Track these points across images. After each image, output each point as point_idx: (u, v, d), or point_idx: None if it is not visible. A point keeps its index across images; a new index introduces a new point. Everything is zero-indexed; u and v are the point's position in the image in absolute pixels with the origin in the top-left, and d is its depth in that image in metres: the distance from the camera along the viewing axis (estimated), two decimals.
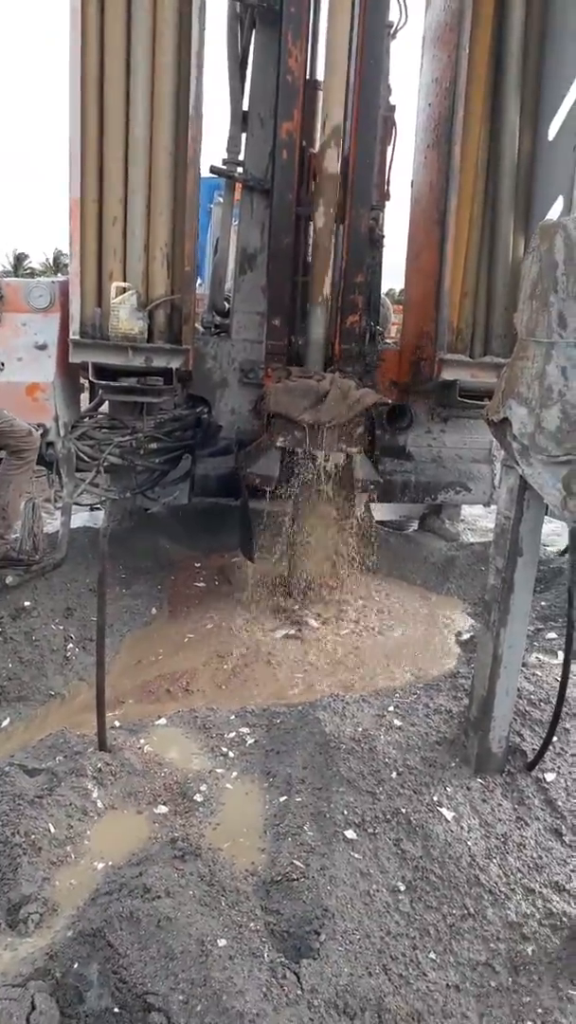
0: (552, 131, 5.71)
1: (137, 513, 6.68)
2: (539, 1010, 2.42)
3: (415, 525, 7.47)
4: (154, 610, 5.30)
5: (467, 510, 7.93)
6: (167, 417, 6.01)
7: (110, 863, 2.75)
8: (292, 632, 5.03)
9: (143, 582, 5.58)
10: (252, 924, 2.44)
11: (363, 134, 5.56)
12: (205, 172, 5.98)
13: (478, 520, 8.62)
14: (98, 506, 6.51)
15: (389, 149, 6.17)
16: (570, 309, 2.90)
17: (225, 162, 6.30)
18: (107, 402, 6.07)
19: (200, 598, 5.52)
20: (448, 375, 5.56)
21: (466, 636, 5.20)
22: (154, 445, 5.87)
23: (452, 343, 5.71)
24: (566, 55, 5.55)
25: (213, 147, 6.85)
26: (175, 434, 6.04)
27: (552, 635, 4.83)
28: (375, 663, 4.73)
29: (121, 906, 2.39)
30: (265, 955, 2.32)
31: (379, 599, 5.66)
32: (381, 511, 7.07)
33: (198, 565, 6.09)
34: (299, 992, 2.22)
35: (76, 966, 2.27)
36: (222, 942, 2.31)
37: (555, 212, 5.58)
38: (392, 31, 6.16)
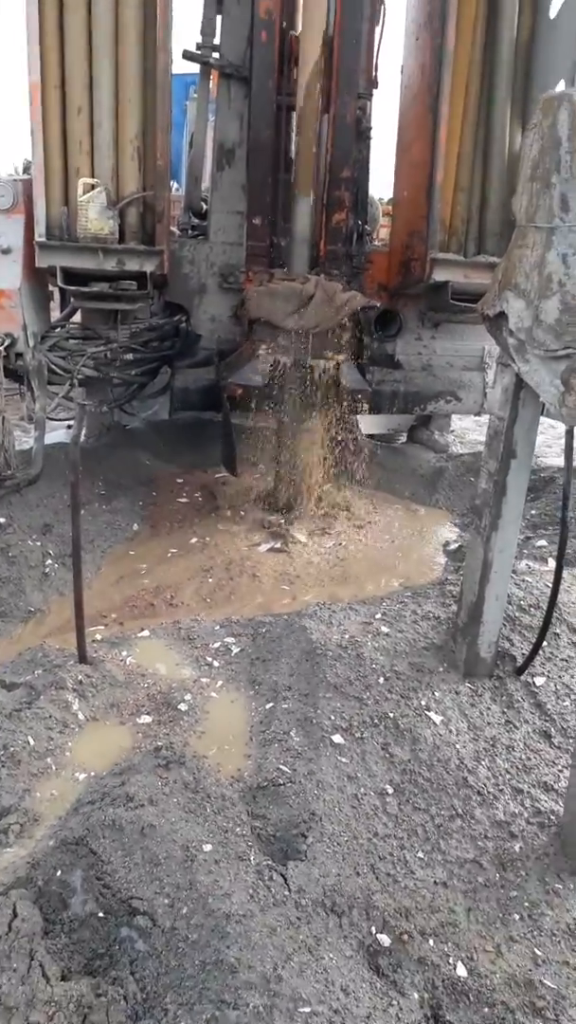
0: (554, 8, 5.28)
1: (115, 428, 6.48)
2: (526, 904, 2.41)
3: (404, 438, 7.31)
4: (135, 526, 5.18)
5: (456, 421, 7.78)
6: (143, 326, 5.73)
7: (92, 774, 2.70)
8: (277, 546, 4.92)
9: (123, 498, 5.43)
10: (238, 829, 2.40)
11: (348, 12, 5.13)
12: (178, 60, 5.55)
13: (467, 432, 8.49)
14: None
15: (377, 30, 5.73)
16: (574, 191, 2.69)
17: (199, 47, 5.83)
18: (79, 310, 5.77)
19: (183, 514, 5.39)
20: (440, 276, 5.29)
21: (453, 546, 5.12)
22: (130, 356, 5.60)
23: (444, 242, 5.42)
24: None
25: (186, 31, 6.37)
26: (152, 344, 5.77)
27: (542, 542, 4.76)
28: (362, 574, 4.66)
29: (103, 815, 2.34)
30: (251, 858, 2.29)
31: (366, 512, 5.56)
32: (369, 423, 6.89)
33: (180, 481, 5.95)
34: (286, 893, 2.20)
35: (59, 874, 2.23)
36: (207, 847, 2.27)
37: None
38: None
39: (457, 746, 2.89)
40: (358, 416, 5.74)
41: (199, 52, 5.83)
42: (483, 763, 2.86)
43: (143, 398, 6.28)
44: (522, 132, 5.59)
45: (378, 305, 5.74)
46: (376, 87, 5.90)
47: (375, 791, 2.68)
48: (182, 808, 2.42)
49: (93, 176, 4.89)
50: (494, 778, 2.81)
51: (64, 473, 5.19)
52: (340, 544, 5.01)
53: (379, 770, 2.75)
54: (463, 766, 2.82)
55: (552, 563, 4.37)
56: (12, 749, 2.68)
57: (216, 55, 5.75)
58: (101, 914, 2.12)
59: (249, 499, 5.52)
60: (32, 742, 2.75)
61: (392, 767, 2.77)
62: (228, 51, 5.63)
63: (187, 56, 5.76)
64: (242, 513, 5.33)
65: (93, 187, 4.80)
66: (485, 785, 2.77)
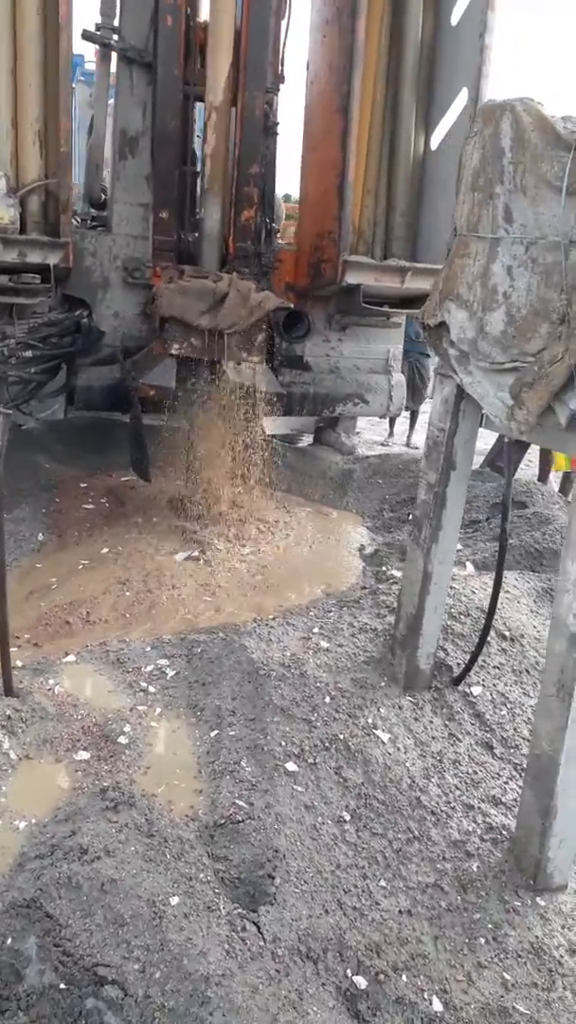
0: (456, 15, 5.35)
1: (11, 429, 6.07)
2: (489, 925, 2.41)
3: (306, 438, 7.28)
4: (41, 535, 4.87)
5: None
6: (41, 321, 5.38)
7: (33, 821, 2.48)
8: (194, 554, 4.76)
9: (25, 505, 5.11)
10: (202, 875, 2.27)
11: (256, 4, 4.99)
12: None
13: (364, 432, 8.57)
14: None
15: (283, 24, 5.62)
16: (517, 202, 2.68)
17: (99, 27, 5.53)
18: None
19: (91, 521, 5.12)
20: (352, 278, 5.25)
21: (369, 550, 5.13)
22: (28, 353, 5.25)
23: (354, 245, 5.40)
24: None
25: (84, 9, 6.02)
26: (51, 340, 5.43)
27: (458, 546, 4.82)
28: (283, 582, 4.57)
29: (57, 871, 2.14)
30: (221, 908, 2.16)
31: (279, 516, 5.48)
32: (272, 424, 6.81)
33: (84, 486, 5.65)
34: (261, 944, 2.09)
35: (9, 941, 2.02)
36: (174, 900, 2.13)
37: (459, 104, 5.28)
38: None
39: (407, 764, 2.87)
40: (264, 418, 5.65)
41: (99, 33, 5.53)
42: (433, 780, 2.85)
43: (41, 397, 5.91)
44: (425, 135, 5.65)
45: (291, 306, 5.66)
46: (283, 82, 5.79)
47: (333, 819, 2.61)
48: (141, 857, 2.26)
49: None
50: (445, 795, 2.80)
51: None
52: (258, 550, 4.91)
53: (334, 796, 2.69)
54: (415, 785, 2.80)
55: (471, 568, 4.46)
56: None
57: (116, 37, 5.47)
58: (63, 985, 1.94)
59: (160, 505, 5.31)
60: None
61: (347, 792, 2.71)
62: (130, 34, 5.35)
63: (86, 37, 5.46)
64: (154, 520, 5.12)
65: None
66: (437, 804, 2.76)
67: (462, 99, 5.26)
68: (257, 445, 5.24)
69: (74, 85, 9.26)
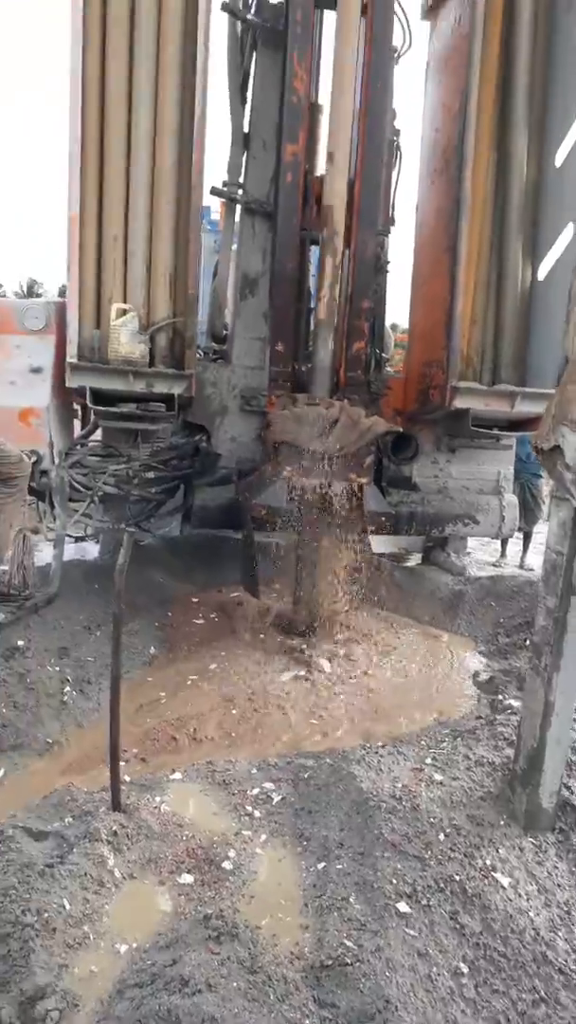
0: (560, 157, 5.63)
1: (131, 546, 6.36)
2: None
3: (415, 557, 7.24)
4: (153, 649, 4.98)
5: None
6: (163, 445, 5.74)
7: (134, 945, 2.41)
8: (301, 673, 4.72)
9: (139, 619, 5.25)
10: (307, 1021, 2.12)
11: (369, 158, 5.44)
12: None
13: (474, 551, 8.43)
14: (85, 537, 6.19)
15: (394, 174, 6.05)
16: None
17: (226, 184, 6.12)
18: (99, 428, 5.77)
19: (200, 636, 5.20)
20: (461, 403, 5.38)
21: (484, 676, 4.94)
22: (150, 474, 5.58)
23: (462, 371, 5.54)
24: (571, 81, 5.49)
25: (213, 169, 6.69)
26: (172, 463, 5.77)
27: None
28: (393, 708, 4.44)
29: (157, 1002, 2.06)
30: None
31: (388, 637, 5.39)
32: (379, 543, 6.83)
33: (196, 600, 5.78)
34: None
35: None
36: None
37: (566, 238, 5.47)
38: (396, 56, 6.07)
39: (530, 913, 2.64)
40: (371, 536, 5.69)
41: (225, 189, 6.11)
42: (560, 934, 2.60)
43: (159, 515, 6.20)
44: (532, 267, 5.84)
45: (400, 429, 5.80)
46: (393, 224, 6.19)
47: (449, 970, 2.41)
48: (243, 995, 2.14)
49: (125, 301, 4.99)
50: (574, 952, 2.55)
51: (81, 591, 5.07)
52: (366, 673, 4.82)
53: (450, 944, 2.49)
54: (539, 938, 2.56)
55: None
56: (46, 915, 2.40)
57: (241, 192, 6.04)
58: None
59: (267, 621, 5.34)
60: (68, 905, 2.47)
61: (463, 940, 2.51)
62: (253, 188, 5.91)
63: (215, 192, 6.03)
64: (261, 636, 5.15)
65: (126, 312, 4.89)
66: (566, 961, 2.51)
67: (568, 232, 5.45)
68: (365, 563, 5.26)
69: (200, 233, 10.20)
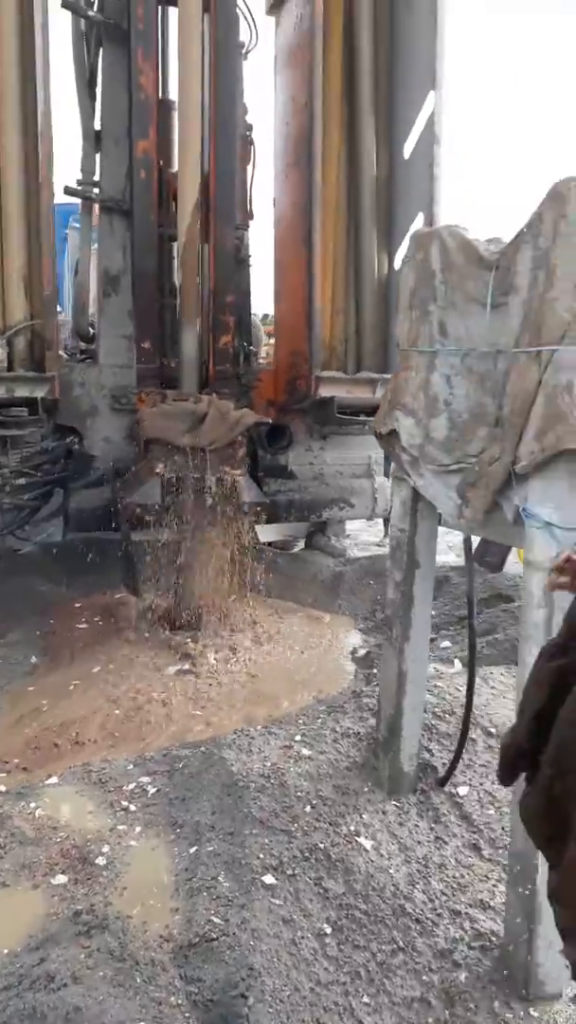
0: (408, 149, 5.85)
1: (5, 555, 6.25)
2: None
3: (300, 544, 7.40)
4: (34, 658, 4.93)
5: (349, 525, 7.95)
6: (34, 450, 5.65)
7: (6, 951, 2.44)
8: (186, 667, 4.79)
9: (18, 630, 5.18)
10: (172, 999, 2.21)
11: (222, 153, 5.51)
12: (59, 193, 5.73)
13: (359, 534, 8.69)
14: None
15: (249, 168, 6.13)
16: (450, 317, 2.90)
17: (80, 183, 6.06)
18: None
19: (84, 640, 5.18)
20: (325, 392, 5.54)
21: (361, 652, 5.14)
22: (22, 481, 5.49)
23: (326, 360, 5.71)
24: (414, 75, 5.71)
25: (65, 167, 6.61)
26: (44, 467, 5.69)
27: (446, 643, 4.85)
28: (275, 691, 4.57)
29: (22, 1002, 2.10)
30: None
31: (272, 623, 5.52)
32: (265, 532, 6.95)
33: (78, 605, 5.74)
34: None
35: None
36: None
37: (416, 227, 5.70)
38: (244, 51, 6.14)
39: (390, 871, 2.82)
40: (255, 526, 5.80)
41: (80, 188, 6.05)
42: (418, 887, 2.79)
43: (35, 522, 6.10)
44: (388, 256, 6.06)
45: (270, 421, 5.91)
46: (252, 218, 6.27)
47: (313, 932, 2.55)
48: (109, 982, 2.21)
49: None
50: (431, 902, 2.74)
51: None
52: (250, 660, 4.93)
53: (314, 908, 2.63)
54: (399, 892, 2.74)
55: (458, 665, 4.46)
56: None
57: (96, 190, 6.00)
58: None
59: (152, 619, 5.38)
60: None
61: (327, 903, 2.66)
62: (108, 186, 5.87)
63: (68, 192, 5.96)
64: (146, 635, 5.18)
65: None
66: (423, 911, 2.69)
67: (418, 222, 5.68)
68: (246, 553, 5.36)
69: (67, 232, 10.03)
